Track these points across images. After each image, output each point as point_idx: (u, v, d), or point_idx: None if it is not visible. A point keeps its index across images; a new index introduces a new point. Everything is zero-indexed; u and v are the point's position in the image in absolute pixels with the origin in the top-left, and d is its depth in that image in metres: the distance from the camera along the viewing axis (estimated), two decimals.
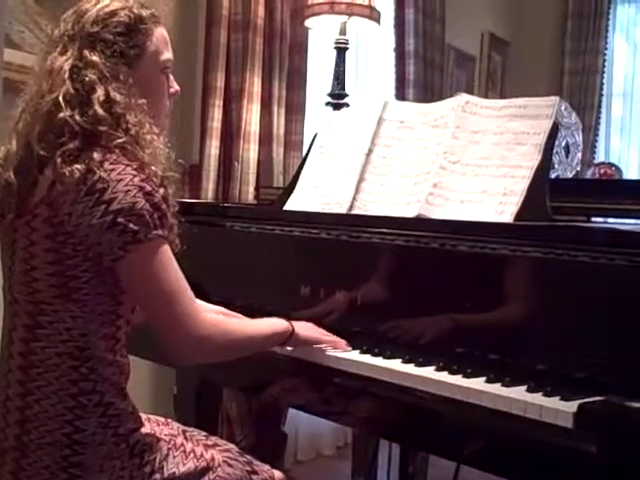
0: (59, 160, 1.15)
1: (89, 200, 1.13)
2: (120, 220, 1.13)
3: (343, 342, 1.44)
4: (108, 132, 1.18)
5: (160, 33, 1.31)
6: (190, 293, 1.20)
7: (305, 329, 1.43)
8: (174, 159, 1.28)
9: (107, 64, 1.22)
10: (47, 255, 1.17)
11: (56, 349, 1.18)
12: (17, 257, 1.21)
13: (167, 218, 1.19)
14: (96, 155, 1.15)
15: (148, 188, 1.16)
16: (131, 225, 1.13)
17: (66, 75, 1.19)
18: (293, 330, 1.38)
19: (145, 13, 1.28)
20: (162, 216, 1.17)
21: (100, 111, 1.17)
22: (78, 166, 1.14)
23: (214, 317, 1.25)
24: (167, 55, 1.32)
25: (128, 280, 1.18)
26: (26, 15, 2.14)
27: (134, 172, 1.16)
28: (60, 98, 1.18)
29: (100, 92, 1.19)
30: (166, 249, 1.18)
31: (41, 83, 1.22)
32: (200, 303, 1.37)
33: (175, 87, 1.36)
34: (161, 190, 1.20)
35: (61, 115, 1.17)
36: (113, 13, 1.25)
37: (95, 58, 1.21)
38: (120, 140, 1.18)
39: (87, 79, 1.19)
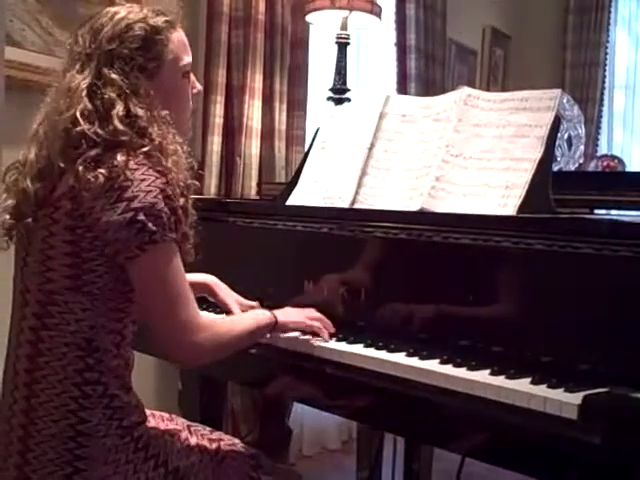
0: (81, 168, 1.16)
1: (111, 196, 1.15)
2: (140, 218, 1.15)
3: (326, 331, 1.45)
4: (131, 140, 1.19)
5: (177, 38, 1.31)
6: (190, 299, 1.22)
7: (289, 315, 1.44)
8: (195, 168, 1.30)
9: (126, 80, 1.23)
10: (65, 246, 1.19)
11: (64, 339, 1.20)
12: (34, 247, 1.23)
13: (181, 224, 1.21)
14: (119, 156, 1.17)
15: (169, 192, 1.18)
16: (150, 224, 1.15)
17: (84, 93, 1.21)
18: (276, 320, 1.40)
19: (160, 22, 1.28)
20: (177, 221, 1.20)
21: (120, 126, 1.19)
22: (102, 170, 1.15)
23: (207, 321, 1.27)
24: (187, 59, 1.34)
25: (138, 279, 1.20)
26: (27, 13, 2.14)
27: (157, 174, 1.18)
28: (77, 114, 1.19)
29: (119, 107, 1.20)
30: (177, 253, 1.21)
31: (59, 100, 1.23)
32: (217, 283, 1.54)
33: (198, 87, 1.38)
34: (182, 200, 1.22)
35: (79, 129, 1.18)
36: (129, 27, 1.25)
37: (114, 76, 1.22)
38: (145, 148, 1.20)
39: (106, 97, 1.21)
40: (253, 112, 2.71)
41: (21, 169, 1.26)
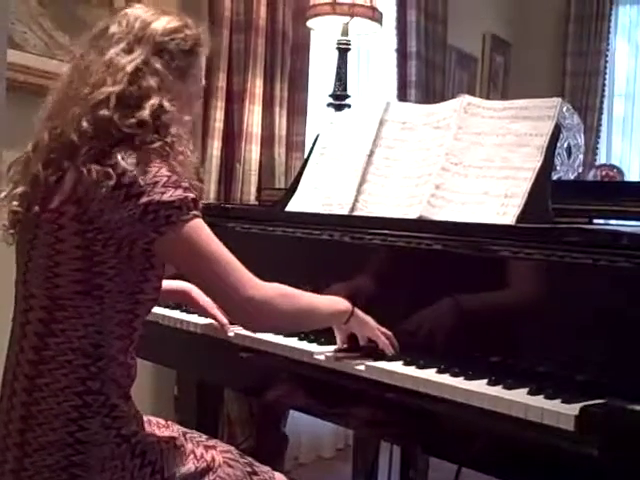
0: (83, 157, 1.16)
1: (118, 195, 1.15)
2: (150, 211, 1.15)
3: (395, 342, 1.41)
4: (144, 135, 1.19)
5: (204, 59, 1.35)
6: (237, 263, 1.22)
7: (365, 316, 1.41)
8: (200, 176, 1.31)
9: (168, 76, 1.24)
10: (75, 251, 1.18)
11: (71, 344, 1.19)
12: (37, 253, 1.22)
13: (195, 201, 1.19)
14: (122, 152, 1.16)
15: (174, 177, 1.18)
16: (162, 212, 1.15)
17: (127, 75, 1.20)
18: (353, 310, 1.38)
19: (203, 37, 1.33)
20: (189, 200, 1.18)
21: (147, 117, 1.19)
22: (99, 167, 1.15)
23: (273, 284, 1.27)
24: (204, 81, 1.38)
25: (173, 260, 1.22)
26: (29, 16, 2.14)
27: (159, 164, 1.18)
28: (113, 94, 1.18)
29: (155, 100, 1.21)
30: (204, 225, 1.20)
31: (91, 74, 1.21)
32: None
33: (199, 111, 1.39)
34: (184, 184, 1.20)
35: (106, 113, 1.18)
36: (179, 29, 1.28)
37: (159, 66, 1.23)
38: (154, 145, 1.19)
39: (145, 84, 1.21)
40: (253, 117, 2.71)
41: (31, 155, 1.25)
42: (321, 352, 1.42)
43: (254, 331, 1.41)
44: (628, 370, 1.13)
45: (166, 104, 1.21)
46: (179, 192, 1.17)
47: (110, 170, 1.14)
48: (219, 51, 2.62)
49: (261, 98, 2.73)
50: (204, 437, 1.42)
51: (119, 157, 1.15)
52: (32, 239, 1.23)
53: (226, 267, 1.20)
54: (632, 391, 1.09)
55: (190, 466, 1.29)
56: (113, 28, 1.27)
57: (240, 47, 2.68)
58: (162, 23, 1.27)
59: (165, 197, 1.15)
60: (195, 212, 1.19)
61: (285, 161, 2.86)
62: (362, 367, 1.34)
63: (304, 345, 1.47)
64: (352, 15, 2.65)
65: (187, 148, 1.25)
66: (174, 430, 1.39)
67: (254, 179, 2.74)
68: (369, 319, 1.42)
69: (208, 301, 1.55)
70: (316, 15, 2.69)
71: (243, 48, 2.68)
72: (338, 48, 2.77)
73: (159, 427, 1.37)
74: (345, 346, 1.43)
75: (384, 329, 1.42)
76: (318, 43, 3.06)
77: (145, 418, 1.33)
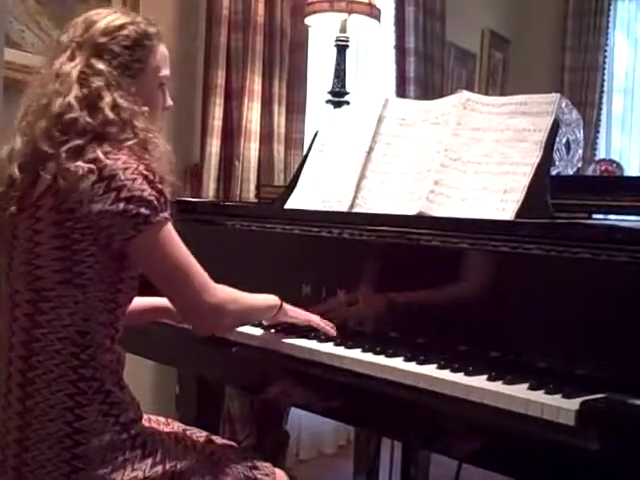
0: (63, 156, 1.19)
1: (99, 187, 1.17)
2: (131, 207, 1.18)
3: (329, 323, 1.51)
4: (118, 132, 1.23)
5: (162, 50, 1.37)
6: (198, 268, 1.27)
7: (293, 309, 1.51)
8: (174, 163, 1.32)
9: (113, 73, 1.27)
10: (53, 241, 1.20)
11: (58, 334, 1.21)
12: (18, 251, 1.24)
13: (168, 202, 1.24)
14: (100, 148, 1.20)
15: (151, 177, 1.21)
16: (142, 210, 1.19)
17: (74, 79, 1.24)
18: (282, 304, 1.47)
19: (151, 30, 1.34)
20: (166, 200, 1.23)
21: (110, 115, 1.23)
22: (81, 163, 1.18)
23: (223, 287, 1.32)
24: (166, 72, 1.38)
25: (140, 260, 1.24)
26: (26, 14, 2.14)
27: (137, 162, 1.21)
28: (72, 100, 1.22)
29: (108, 98, 1.24)
30: (172, 229, 1.25)
31: (47, 85, 1.26)
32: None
33: (169, 102, 1.42)
34: (159, 186, 1.23)
35: (72, 115, 1.21)
36: (122, 27, 1.30)
37: (101, 66, 1.26)
38: (129, 142, 1.23)
39: (94, 85, 1.24)
40: (252, 115, 2.71)
41: (7, 160, 1.27)
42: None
43: (203, 332, 1.45)
44: (628, 365, 1.12)
45: (119, 100, 1.25)
46: (155, 192, 1.20)
47: (92, 166, 1.18)
48: (217, 49, 2.62)
49: (260, 95, 2.74)
50: (205, 434, 1.43)
51: (99, 152, 1.19)
52: (12, 240, 1.25)
53: (191, 271, 1.25)
54: (632, 385, 1.08)
55: (192, 459, 1.30)
56: (63, 37, 1.32)
57: (238, 45, 2.68)
58: (103, 24, 1.30)
59: (145, 194, 1.19)
60: (167, 215, 1.23)
61: (284, 158, 2.86)
62: (362, 363, 1.34)
63: (305, 340, 1.47)
64: (350, 12, 2.66)
65: (159, 139, 1.29)
66: (174, 427, 1.40)
67: (253, 176, 2.74)
68: (298, 310, 1.51)
69: None
70: (314, 12, 2.69)
71: (241, 46, 2.69)
72: (336, 45, 2.77)
73: (159, 425, 1.38)
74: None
75: (315, 316, 1.51)
76: (316, 40, 3.06)
77: (145, 416, 1.34)
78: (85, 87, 1.24)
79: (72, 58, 1.27)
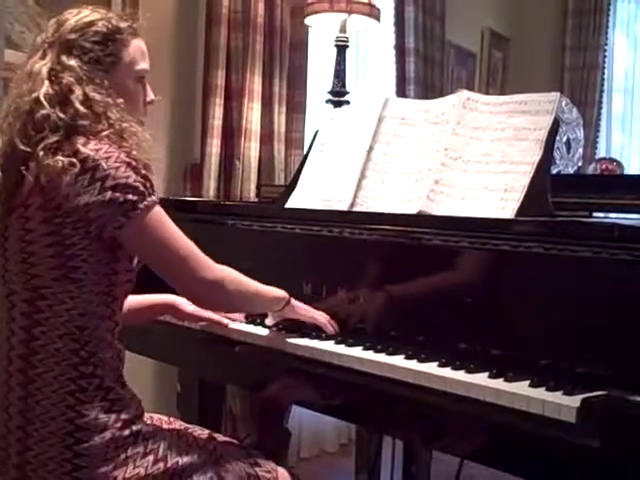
0: (41, 153, 1.20)
1: (84, 179, 1.18)
2: (118, 194, 1.19)
3: (333, 322, 1.51)
4: (90, 124, 1.24)
5: (137, 44, 1.37)
6: (193, 247, 1.29)
7: (301, 305, 1.52)
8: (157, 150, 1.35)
9: (84, 68, 1.28)
10: (46, 238, 1.21)
11: (57, 331, 1.21)
12: (11, 252, 1.24)
13: (154, 186, 1.25)
14: (79, 140, 1.21)
15: (133, 163, 1.22)
16: (129, 196, 1.20)
17: (44, 77, 1.25)
18: (289, 300, 1.48)
19: (122, 25, 1.34)
20: (151, 185, 1.25)
21: (81, 108, 1.24)
22: (60, 157, 1.19)
23: (224, 266, 1.34)
24: (143, 65, 1.38)
25: (134, 246, 1.25)
26: (26, 15, 2.14)
27: (117, 150, 1.22)
28: (41, 97, 1.23)
29: (78, 92, 1.25)
30: (162, 211, 1.26)
31: (22, 85, 1.28)
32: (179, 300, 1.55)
33: (150, 96, 1.42)
34: (143, 172, 1.24)
35: (43, 112, 1.23)
36: (91, 23, 1.31)
37: (72, 62, 1.27)
38: (105, 132, 1.24)
39: (64, 81, 1.25)
40: (252, 114, 2.71)
41: None
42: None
43: (208, 309, 1.51)
44: (629, 361, 1.13)
45: (92, 94, 1.26)
46: (140, 177, 1.22)
47: (73, 159, 1.18)
48: (217, 49, 2.63)
49: (260, 95, 2.74)
50: (206, 431, 1.43)
51: (79, 144, 1.20)
52: (4, 241, 1.25)
53: (186, 250, 1.27)
54: (633, 382, 1.09)
55: (193, 456, 1.30)
56: (38, 38, 1.33)
57: (238, 45, 2.69)
58: (72, 22, 1.31)
59: (130, 180, 1.20)
60: (155, 198, 1.24)
61: (284, 158, 2.86)
62: (363, 361, 1.35)
63: (308, 338, 1.47)
64: (350, 12, 2.66)
65: (136, 128, 1.29)
66: (176, 425, 1.40)
67: (253, 176, 2.74)
68: (304, 306, 1.52)
69: (195, 308, 1.55)
70: (314, 12, 2.69)
71: (241, 46, 2.69)
72: (336, 45, 2.77)
73: (161, 423, 1.38)
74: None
75: (320, 312, 1.52)
76: (316, 40, 3.07)
77: (147, 415, 1.34)
78: (55, 84, 1.25)
79: (43, 57, 1.29)
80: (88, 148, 1.20)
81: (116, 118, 1.26)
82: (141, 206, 1.21)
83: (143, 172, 1.23)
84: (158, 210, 1.25)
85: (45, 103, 1.23)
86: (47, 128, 1.22)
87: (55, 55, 1.28)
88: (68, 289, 1.21)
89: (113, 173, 1.19)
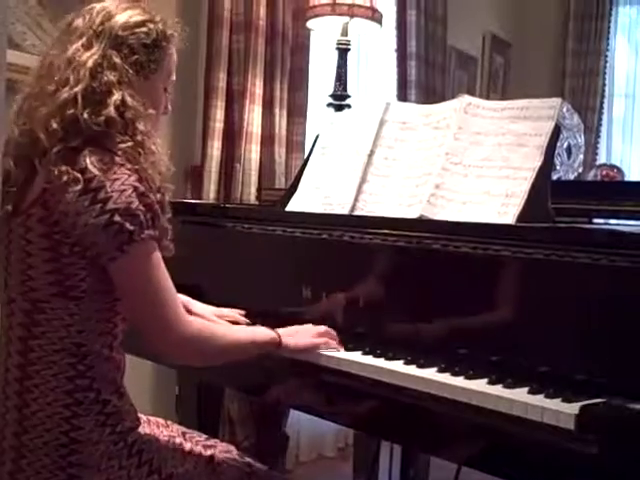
0: (54, 157, 1.16)
1: (85, 199, 1.14)
2: (116, 219, 1.14)
3: (335, 342, 1.42)
4: (114, 135, 1.19)
5: (174, 55, 1.34)
6: (176, 296, 1.22)
7: (295, 336, 1.40)
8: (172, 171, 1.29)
9: (127, 69, 1.24)
10: (44, 253, 1.18)
11: (54, 346, 1.19)
12: (14, 257, 1.23)
13: (159, 220, 1.20)
14: (92, 156, 1.16)
15: (142, 189, 1.17)
16: (127, 225, 1.15)
17: (88, 71, 1.20)
18: (280, 340, 1.36)
19: (169, 32, 1.31)
20: (154, 217, 1.19)
21: (113, 113, 1.19)
22: (67, 168, 1.15)
23: (199, 322, 1.27)
24: (174, 77, 1.37)
25: (120, 279, 1.19)
26: (28, 16, 2.14)
27: (129, 172, 1.17)
28: (79, 95, 1.19)
29: (117, 96, 1.20)
30: (157, 250, 1.20)
31: (55, 70, 1.22)
32: (190, 301, 1.47)
33: (169, 107, 1.40)
34: (158, 196, 1.20)
35: (74, 111, 1.18)
36: (142, 23, 1.27)
37: (118, 61, 1.23)
38: (125, 145, 1.19)
39: (106, 79, 1.21)
40: (253, 117, 2.71)
41: (5, 150, 1.24)
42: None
43: (176, 362, 1.41)
44: (628, 369, 1.13)
45: (128, 99, 1.21)
46: (143, 206, 1.16)
47: (79, 175, 1.14)
48: (219, 51, 2.63)
49: (261, 98, 2.74)
50: (204, 437, 1.42)
51: (88, 162, 1.15)
52: (8, 244, 1.23)
53: (170, 299, 1.20)
54: (632, 390, 1.09)
55: (188, 466, 1.29)
56: (77, 22, 1.27)
57: (240, 47, 2.69)
58: (124, 17, 1.26)
59: (132, 206, 1.15)
60: (152, 232, 1.18)
61: (285, 161, 2.86)
62: (362, 366, 1.34)
63: None
64: (352, 15, 2.66)
65: (157, 145, 1.25)
66: (173, 430, 1.39)
67: (254, 179, 2.74)
68: (301, 336, 1.39)
69: (201, 309, 1.53)
70: (316, 15, 2.69)
71: (243, 48, 2.69)
72: (338, 48, 2.77)
73: (158, 427, 1.38)
74: None
75: (319, 330, 1.41)
76: (318, 43, 3.07)
77: (145, 418, 1.33)
78: (96, 80, 1.20)
79: (89, 46, 1.23)
80: (97, 167, 1.15)
81: (141, 130, 1.21)
82: (137, 239, 1.15)
83: (149, 200, 1.17)
84: (153, 247, 1.18)
85: (80, 103, 1.18)
86: (70, 130, 1.18)
87: (102, 48, 1.22)
88: (66, 305, 1.19)
89: (116, 197, 1.14)
